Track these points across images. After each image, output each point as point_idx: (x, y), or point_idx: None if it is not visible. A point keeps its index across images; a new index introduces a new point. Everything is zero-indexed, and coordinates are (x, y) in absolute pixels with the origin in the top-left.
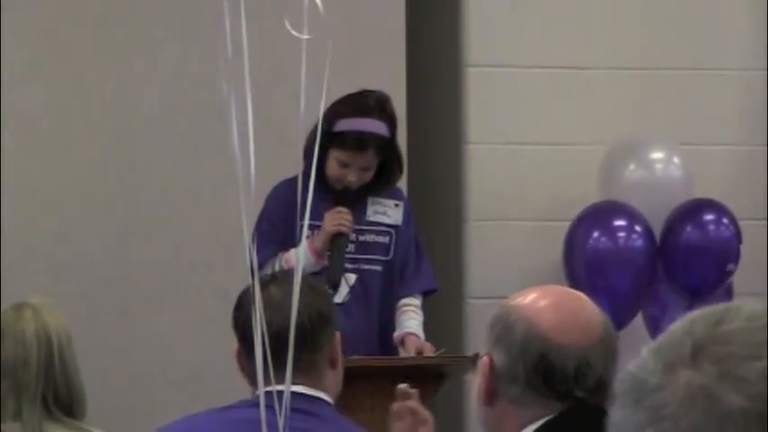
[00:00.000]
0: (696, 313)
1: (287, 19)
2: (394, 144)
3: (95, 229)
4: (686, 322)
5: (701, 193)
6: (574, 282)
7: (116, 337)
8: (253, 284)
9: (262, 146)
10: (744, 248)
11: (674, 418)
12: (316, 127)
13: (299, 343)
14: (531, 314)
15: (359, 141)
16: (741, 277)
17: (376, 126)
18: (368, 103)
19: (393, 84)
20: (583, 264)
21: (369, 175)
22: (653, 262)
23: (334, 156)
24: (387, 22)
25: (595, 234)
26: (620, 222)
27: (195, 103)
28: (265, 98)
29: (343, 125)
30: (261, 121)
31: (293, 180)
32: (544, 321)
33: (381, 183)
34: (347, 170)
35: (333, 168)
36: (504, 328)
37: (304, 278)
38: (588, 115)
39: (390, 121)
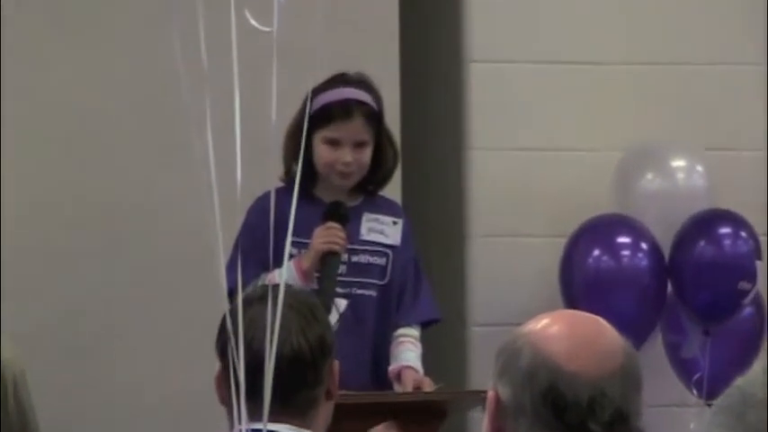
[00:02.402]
0: None
1: (248, 11)
2: (383, 123)
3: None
4: None
5: (727, 205)
6: (570, 303)
7: (77, 369)
8: (235, 306)
9: (238, 154)
10: None
11: None
12: (295, 124)
13: (298, 377)
14: (538, 339)
15: (343, 107)
16: None
17: (359, 93)
18: (347, 76)
19: (385, 81)
20: (582, 284)
21: (365, 156)
22: (661, 282)
23: (322, 137)
24: (378, 12)
25: (596, 252)
26: (623, 239)
27: (164, 109)
28: (242, 102)
29: (324, 98)
30: (231, 127)
31: (279, 191)
32: (553, 347)
33: (376, 173)
34: (339, 150)
35: (323, 153)
36: (510, 357)
37: (302, 298)
38: (605, 116)
39: (375, 96)
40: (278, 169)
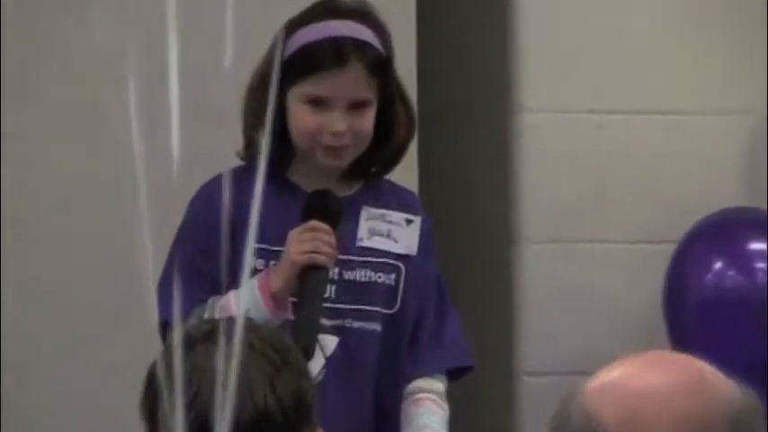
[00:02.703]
0: None
1: None
2: (393, 73)
3: None
4: None
5: None
6: (678, 334)
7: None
8: (170, 348)
9: (174, 121)
10: None
11: None
12: (259, 76)
13: None
14: (592, 402)
15: (333, 50)
16: None
17: (357, 29)
18: (340, 4)
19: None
20: (693, 307)
21: (365, 123)
22: None
23: (300, 95)
24: None
25: (715, 263)
26: (755, 244)
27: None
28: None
29: (305, 36)
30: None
31: (236, 175)
32: (608, 416)
33: (382, 148)
34: (327, 113)
35: (302, 118)
36: (561, 423)
37: (269, 335)
38: (719, 67)
39: (381, 32)
40: (235, 142)
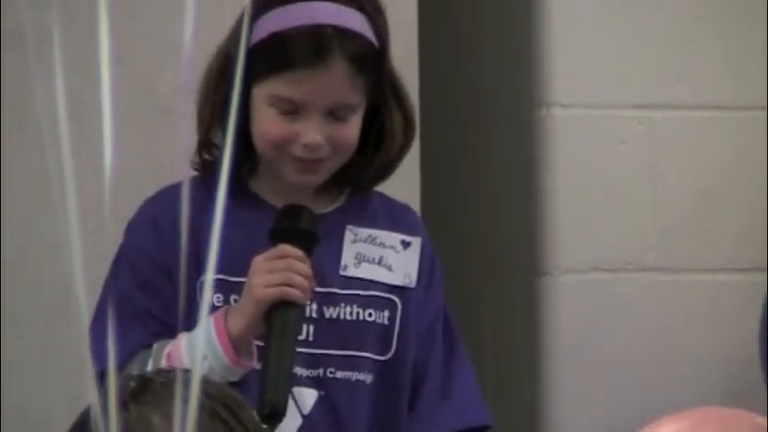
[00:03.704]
0: None
1: None
2: (387, 67)
3: None
4: None
5: None
6: None
7: None
8: (98, 406)
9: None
10: None
11: None
12: (218, 67)
13: None
14: None
15: (311, 40)
16: None
17: (343, 12)
18: None
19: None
20: None
21: (349, 132)
22: None
23: (267, 95)
24: None
25: None
26: None
27: None
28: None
29: (276, 20)
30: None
31: (188, 186)
32: None
33: (371, 160)
34: (300, 121)
35: (268, 124)
36: None
37: (227, 394)
38: None
39: (374, 17)
40: (186, 146)
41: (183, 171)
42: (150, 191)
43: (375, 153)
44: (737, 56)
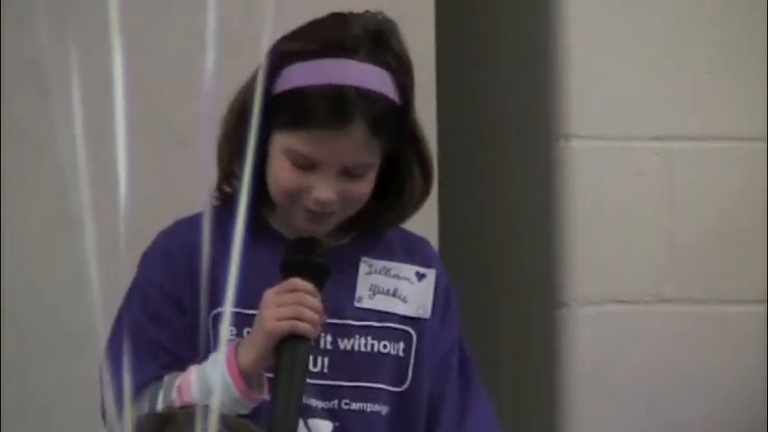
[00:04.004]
0: None
1: None
2: (409, 117)
3: None
4: None
5: None
6: None
7: None
8: None
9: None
10: None
11: None
12: (238, 107)
13: None
14: None
15: (333, 103)
16: None
17: (368, 73)
18: (349, 31)
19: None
20: None
21: (361, 189)
22: None
23: (283, 147)
24: None
25: None
26: None
27: None
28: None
29: (300, 73)
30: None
31: (199, 220)
32: None
33: (386, 211)
34: (313, 175)
35: (281, 174)
36: None
37: (240, 427)
38: None
39: (400, 73)
40: (204, 178)
41: (200, 203)
42: (167, 222)
43: (393, 202)
44: (754, 87)
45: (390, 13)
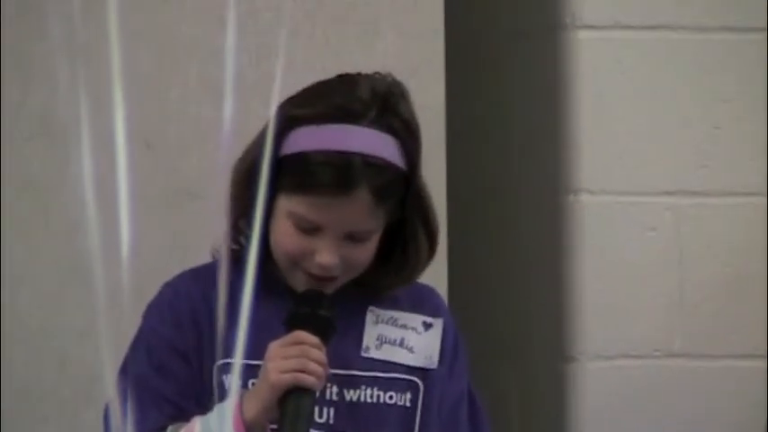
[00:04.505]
0: None
1: None
2: (415, 183)
3: None
4: None
5: None
6: None
7: None
8: None
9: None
10: None
11: None
12: (247, 164)
13: None
14: None
15: (340, 173)
16: None
17: (373, 140)
18: (356, 94)
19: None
20: None
21: (364, 253)
22: None
23: (287, 210)
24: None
25: None
26: None
27: None
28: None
29: (306, 138)
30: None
31: (210, 271)
32: None
33: (388, 270)
34: (316, 239)
35: (284, 236)
36: None
37: None
38: None
39: (405, 134)
40: (211, 230)
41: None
42: (174, 273)
43: (398, 265)
44: (763, 141)
45: (401, 68)
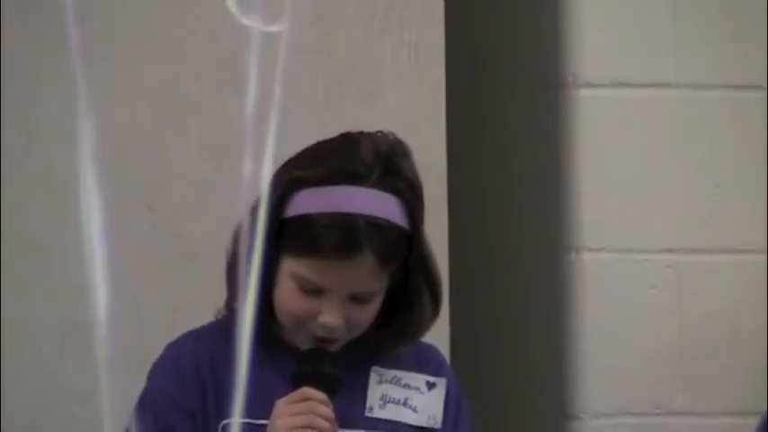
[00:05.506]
0: None
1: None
2: (418, 242)
3: None
4: None
5: None
6: None
7: None
8: None
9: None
10: None
11: None
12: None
13: None
14: None
15: (342, 234)
16: None
17: (376, 202)
18: (359, 155)
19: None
20: None
21: (366, 314)
22: None
23: (291, 271)
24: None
25: None
26: None
27: None
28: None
29: (309, 201)
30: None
31: (211, 331)
32: None
33: (392, 329)
34: (320, 301)
35: (289, 298)
36: None
37: None
38: None
39: (408, 194)
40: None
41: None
42: (176, 334)
43: (401, 325)
44: (763, 199)
45: (402, 123)
